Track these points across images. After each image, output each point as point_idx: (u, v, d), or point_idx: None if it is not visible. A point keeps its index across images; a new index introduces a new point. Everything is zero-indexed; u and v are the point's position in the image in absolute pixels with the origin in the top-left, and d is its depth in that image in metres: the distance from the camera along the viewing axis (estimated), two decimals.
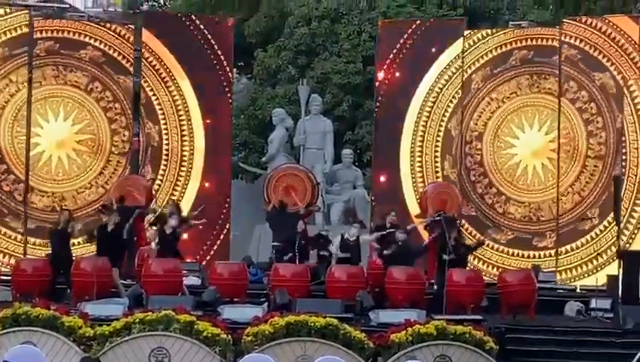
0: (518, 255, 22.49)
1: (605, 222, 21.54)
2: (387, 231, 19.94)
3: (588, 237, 21.86)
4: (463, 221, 22.18)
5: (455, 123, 23.04)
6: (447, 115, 23.12)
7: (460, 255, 18.81)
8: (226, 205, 23.02)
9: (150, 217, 20.81)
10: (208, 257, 22.21)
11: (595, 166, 22.06)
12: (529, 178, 22.72)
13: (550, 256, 22.23)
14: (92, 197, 22.46)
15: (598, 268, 20.38)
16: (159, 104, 23.01)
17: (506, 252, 22.60)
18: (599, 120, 22.06)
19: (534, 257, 22.32)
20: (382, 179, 23.15)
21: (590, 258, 21.61)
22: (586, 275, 21.56)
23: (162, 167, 22.92)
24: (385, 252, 19.26)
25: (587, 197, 22.02)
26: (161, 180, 22.87)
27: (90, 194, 22.49)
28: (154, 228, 19.74)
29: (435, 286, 19.05)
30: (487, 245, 22.48)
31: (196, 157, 23.04)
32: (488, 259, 22.58)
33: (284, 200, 21.85)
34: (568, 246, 21.97)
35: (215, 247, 22.68)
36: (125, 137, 22.76)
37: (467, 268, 19.58)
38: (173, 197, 22.44)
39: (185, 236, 20.44)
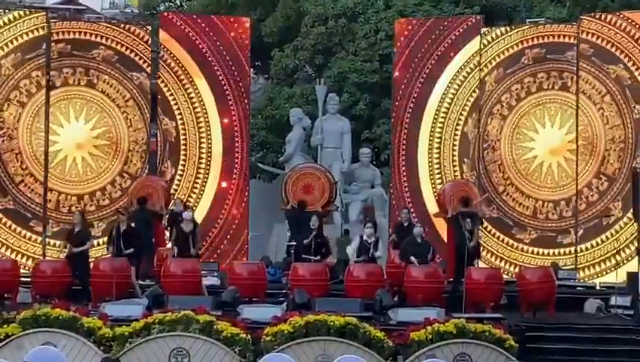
0: (541, 253, 22.40)
1: (626, 218, 21.41)
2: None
3: (609, 233, 21.76)
4: (486, 223, 22.13)
5: (472, 125, 22.99)
6: (463, 117, 23.10)
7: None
8: (244, 205, 23.04)
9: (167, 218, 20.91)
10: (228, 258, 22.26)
11: (615, 159, 21.94)
12: (550, 176, 22.60)
13: (571, 253, 22.15)
14: (113, 196, 22.50)
15: (619, 265, 20.26)
16: (176, 104, 23.04)
17: (530, 251, 22.50)
18: (616, 113, 21.96)
19: (557, 255, 22.20)
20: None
21: (610, 255, 21.51)
22: (606, 272, 21.47)
23: (181, 162, 22.96)
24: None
25: (608, 192, 21.91)
26: (180, 177, 22.91)
27: (110, 194, 22.52)
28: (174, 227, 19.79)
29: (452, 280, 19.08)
30: (511, 245, 22.45)
31: (214, 157, 23.06)
32: (508, 257, 22.53)
33: (303, 200, 21.83)
34: (589, 244, 21.87)
35: (234, 247, 22.72)
36: (142, 135, 22.79)
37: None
38: (192, 196, 22.56)
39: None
